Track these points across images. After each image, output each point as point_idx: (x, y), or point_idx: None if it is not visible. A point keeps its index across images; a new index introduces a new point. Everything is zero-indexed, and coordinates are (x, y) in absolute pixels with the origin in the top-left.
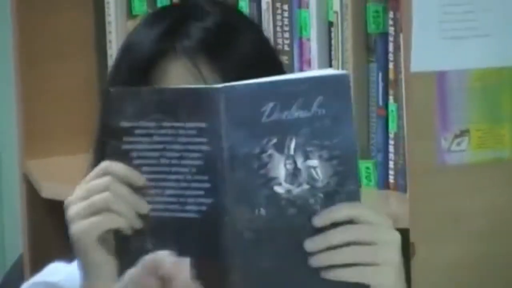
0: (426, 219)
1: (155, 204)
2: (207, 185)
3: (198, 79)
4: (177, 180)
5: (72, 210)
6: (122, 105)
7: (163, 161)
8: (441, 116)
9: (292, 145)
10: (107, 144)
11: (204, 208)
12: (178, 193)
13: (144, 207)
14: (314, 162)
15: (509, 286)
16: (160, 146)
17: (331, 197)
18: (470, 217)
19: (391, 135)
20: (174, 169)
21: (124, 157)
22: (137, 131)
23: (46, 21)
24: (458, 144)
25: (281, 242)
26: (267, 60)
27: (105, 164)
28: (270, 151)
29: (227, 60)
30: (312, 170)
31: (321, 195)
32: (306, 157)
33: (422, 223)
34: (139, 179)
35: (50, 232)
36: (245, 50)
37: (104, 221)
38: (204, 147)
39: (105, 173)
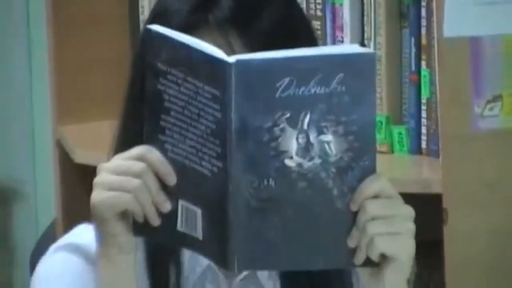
0: (459, 185)
1: (179, 149)
2: (218, 149)
3: (229, 53)
4: (196, 135)
5: (100, 177)
6: (158, 48)
7: (186, 112)
8: (473, 81)
9: (306, 120)
10: (146, 79)
11: (215, 169)
12: (197, 147)
13: (165, 207)
14: (328, 137)
15: None
16: (185, 98)
17: (344, 172)
18: (503, 183)
19: (424, 101)
20: (194, 123)
21: (158, 96)
22: (169, 77)
23: None
24: (491, 109)
25: (289, 214)
26: (298, 31)
27: (145, 149)
28: (282, 125)
29: (255, 33)
30: (325, 145)
31: (333, 169)
32: (320, 131)
33: (455, 189)
34: (170, 178)
35: (83, 198)
36: (274, 21)
37: (125, 201)
38: (217, 114)
39: (142, 159)
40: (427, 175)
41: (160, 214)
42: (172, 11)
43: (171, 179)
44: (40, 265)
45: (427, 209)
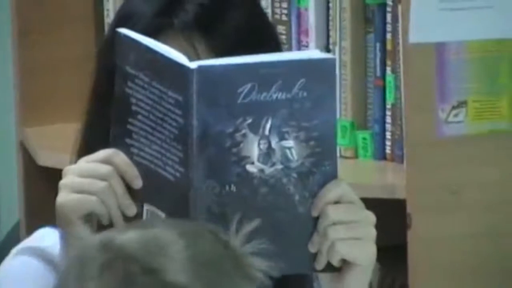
0: (423, 190)
1: (145, 153)
2: (180, 154)
3: (194, 57)
4: (160, 139)
5: (66, 179)
6: (127, 51)
7: (151, 117)
8: (439, 87)
9: (268, 126)
10: (115, 82)
11: (178, 174)
12: (161, 152)
13: (131, 211)
14: (289, 142)
15: (505, 258)
16: (151, 102)
17: (305, 177)
18: (467, 189)
19: (388, 106)
20: (158, 128)
21: (126, 99)
22: (137, 81)
23: None
24: (456, 115)
25: (251, 220)
26: (262, 35)
27: (111, 152)
28: (244, 131)
29: (219, 37)
30: (287, 151)
31: (295, 175)
32: (282, 137)
33: (419, 194)
34: (136, 182)
35: (46, 200)
36: (239, 26)
37: (91, 203)
38: (179, 119)
39: (108, 161)
40: (391, 180)
41: (125, 217)
42: (138, 14)
43: (137, 182)
44: (0, 269)
45: (391, 214)
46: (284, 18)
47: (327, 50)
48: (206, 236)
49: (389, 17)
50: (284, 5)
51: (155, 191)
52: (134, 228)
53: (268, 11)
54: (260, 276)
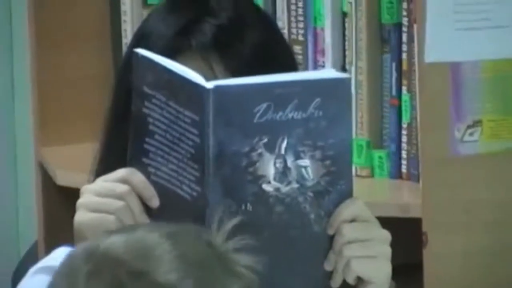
0: (439, 209)
1: (161, 173)
2: (197, 173)
3: (211, 77)
4: (177, 159)
5: (84, 198)
6: (144, 71)
7: (168, 136)
8: (454, 106)
9: (284, 145)
10: (132, 102)
11: (195, 194)
12: (178, 171)
13: None
14: (305, 161)
15: None
16: (167, 121)
17: (321, 196)
18: (483, 207)
19: (404, 125)
20: (175, 147)
21: (143, 119)
22: (154, 100)
23: (61, 8)
24: (471, 134)
25: (266, 238)
26: (278, 55)
27: (128, 172)
28: (260, 150)
29: (237, 58)
30: (303, 170)
31: (310, 193)
32: (297, 156)
33: (435, 213)
34: (153, 201)
35: (64, 220)
36: (255, 46)
37: (108, 222)
38: (196, 138)
39: (126, 181)
40: (407, 199)
41: None
42: (156, 35)
43: (154, 202)
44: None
45: (406, 233)
46: (300, 38)
47: (343, 69)
48: (190, 236)
49: (404, 37)
50: (301, 25)
51: (172, 210)
52: (117, 232)
53: (285, 31)
54: (245, 272)
